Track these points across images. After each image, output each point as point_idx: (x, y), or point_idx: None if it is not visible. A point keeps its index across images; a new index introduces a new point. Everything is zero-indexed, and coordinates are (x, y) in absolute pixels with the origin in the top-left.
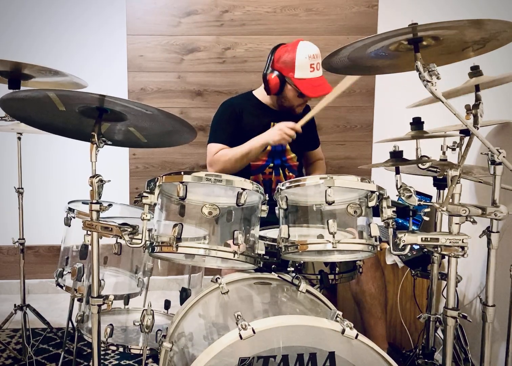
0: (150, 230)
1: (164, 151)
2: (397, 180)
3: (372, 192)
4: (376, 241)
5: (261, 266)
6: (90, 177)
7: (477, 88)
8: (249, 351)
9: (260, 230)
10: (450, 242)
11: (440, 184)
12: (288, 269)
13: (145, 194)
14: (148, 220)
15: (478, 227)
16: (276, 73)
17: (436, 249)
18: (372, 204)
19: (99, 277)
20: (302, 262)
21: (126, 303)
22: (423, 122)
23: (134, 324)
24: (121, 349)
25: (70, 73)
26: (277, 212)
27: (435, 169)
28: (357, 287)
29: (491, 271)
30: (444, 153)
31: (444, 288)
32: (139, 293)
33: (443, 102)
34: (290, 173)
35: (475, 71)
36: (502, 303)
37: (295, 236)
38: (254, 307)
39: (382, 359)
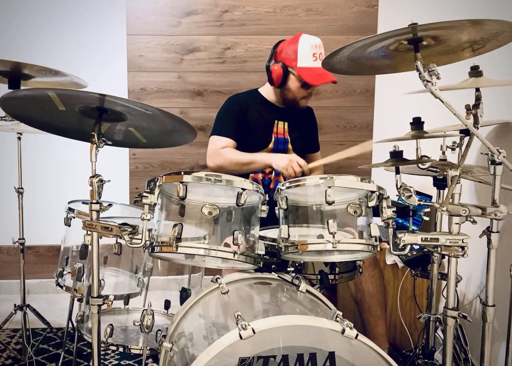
0: (150, 230)
1: (164, 151)
2: (397, 180)
3: (372, 192)
4: (376, 241)
5: (261, 266)
6: (90, 177)
7: (477, 88)
8: (249, 351)
9: (260, 230)
10: (450, 242)
11: (440, 183)
12: (288, 269)
13: (145, 194)
14: (148, 220)
15: (478, 227)
16: (279, 64)
17: (436, 249)
18: (372, 204)
19: (99, 277)
20: (302, 262)
21: (126, 303)
22: (423, 122)
23: (134, 324)
24: (121, 349)
25: (70, 73)
26: (277, 212)
27: (435, 169)
28: (356, 286)
29: (491, 271)
30: (444, 153)
31: (444, 288)
32: (139, 293)
33: (443, 102)
34: None
35: (475, 71)
36: (502, 303)
37: (295, 236)
38: (254, 307)
39: (382, 359)
